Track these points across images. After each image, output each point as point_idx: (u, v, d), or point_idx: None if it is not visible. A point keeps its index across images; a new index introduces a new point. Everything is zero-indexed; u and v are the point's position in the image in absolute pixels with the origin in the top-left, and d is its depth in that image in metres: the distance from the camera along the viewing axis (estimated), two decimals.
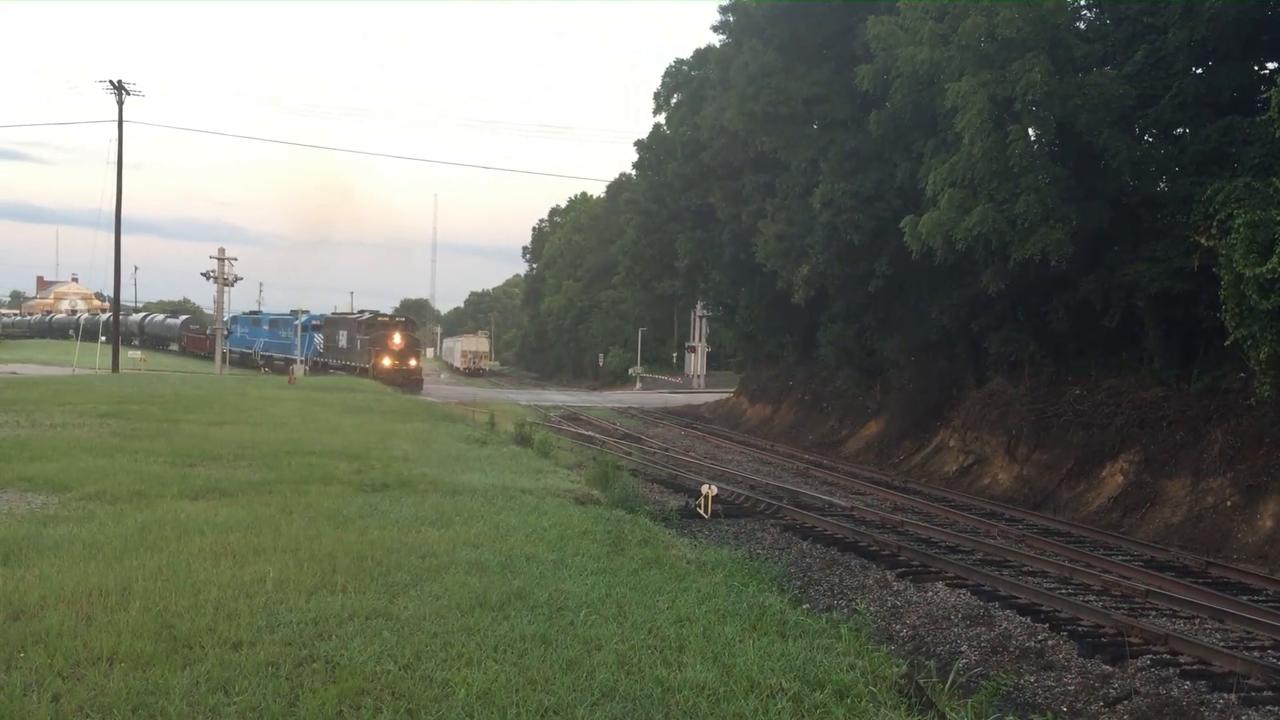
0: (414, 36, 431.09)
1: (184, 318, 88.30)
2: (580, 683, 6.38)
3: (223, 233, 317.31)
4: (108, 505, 11.44)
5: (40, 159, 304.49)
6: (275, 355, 67.00)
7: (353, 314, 61.80)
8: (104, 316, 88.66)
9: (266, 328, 70.69)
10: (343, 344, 56.75)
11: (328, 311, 71.55)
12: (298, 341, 63.24)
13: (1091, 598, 13.36)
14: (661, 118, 47.94)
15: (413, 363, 52.30)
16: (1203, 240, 18.10)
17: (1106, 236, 22.25)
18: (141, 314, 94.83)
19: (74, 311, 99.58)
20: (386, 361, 50.58)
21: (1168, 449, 20.45)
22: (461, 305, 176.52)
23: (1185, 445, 20.10)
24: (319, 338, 61.80)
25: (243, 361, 70.31)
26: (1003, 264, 22.62)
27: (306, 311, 69.21)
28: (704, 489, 19.26)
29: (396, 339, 51.92)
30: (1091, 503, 21.36)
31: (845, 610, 12.04)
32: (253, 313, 79.51)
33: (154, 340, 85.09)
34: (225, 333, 61.56)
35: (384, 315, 59.14)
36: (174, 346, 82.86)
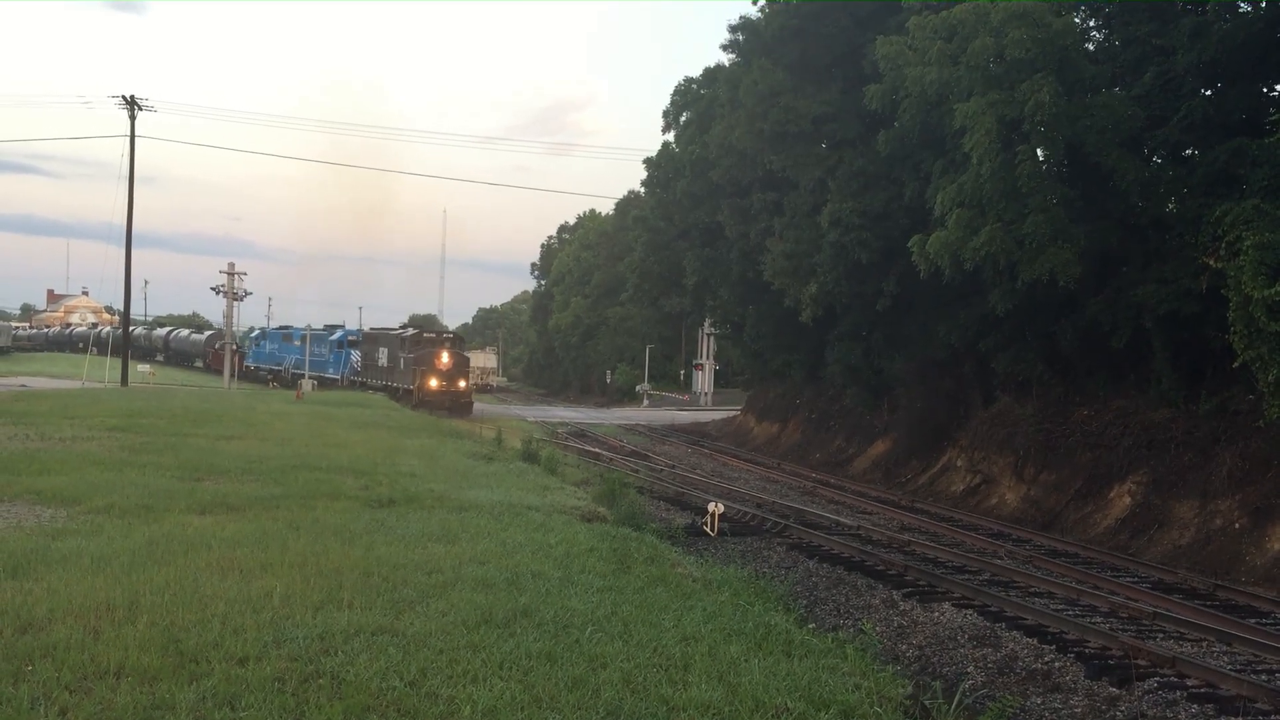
0: (419, 52, 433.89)
1: (209, 333, 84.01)
2: (586, 701, 6.39)
3: (232, 247, 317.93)
4: (116, 519, 11.50)
5: (51, 172, 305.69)
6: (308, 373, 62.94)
7: (394, 329, 57.36)
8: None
9: (298, 343, 66.42)
10: (383, 362, 52.47)
11: (335, 325, 68.98)
12: (332, 358, 59.55)
13: (1099, 619, 13.30)
14: (670, 136, 48.15)
15: (461, 384, 47.63)
16: (1211, 262, 18.09)
17: (1115, 257, 22.23)
18: (166, 329, 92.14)
19: (95, 325, 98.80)
20: (433, 382, 46.21)
21: (1176, 470, 20.38)
22: (470, 321, 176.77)
23: (1193, 467, 20.04)
24: (356, 355, 57.96)
25: (272, 379, 66.85)
26: (1011, 284, 22.61)
27: (341, 326, 65.68)
28: (710, 507, 19.24)
29: (444, 358, 47.12)
30: (1099, 524, 21.28)
31: (851, 630, 12.01)
32: (283, 327, 74.35)
33: (179, 356, 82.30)
34: (237, 347, 61.05)
35: (429, 331, 54.46)
36: (199, 363, 78.97)
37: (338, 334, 61.37)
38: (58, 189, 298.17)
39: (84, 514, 11.82)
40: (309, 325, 64.54)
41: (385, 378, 51.55)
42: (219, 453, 18.53)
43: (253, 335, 77.60)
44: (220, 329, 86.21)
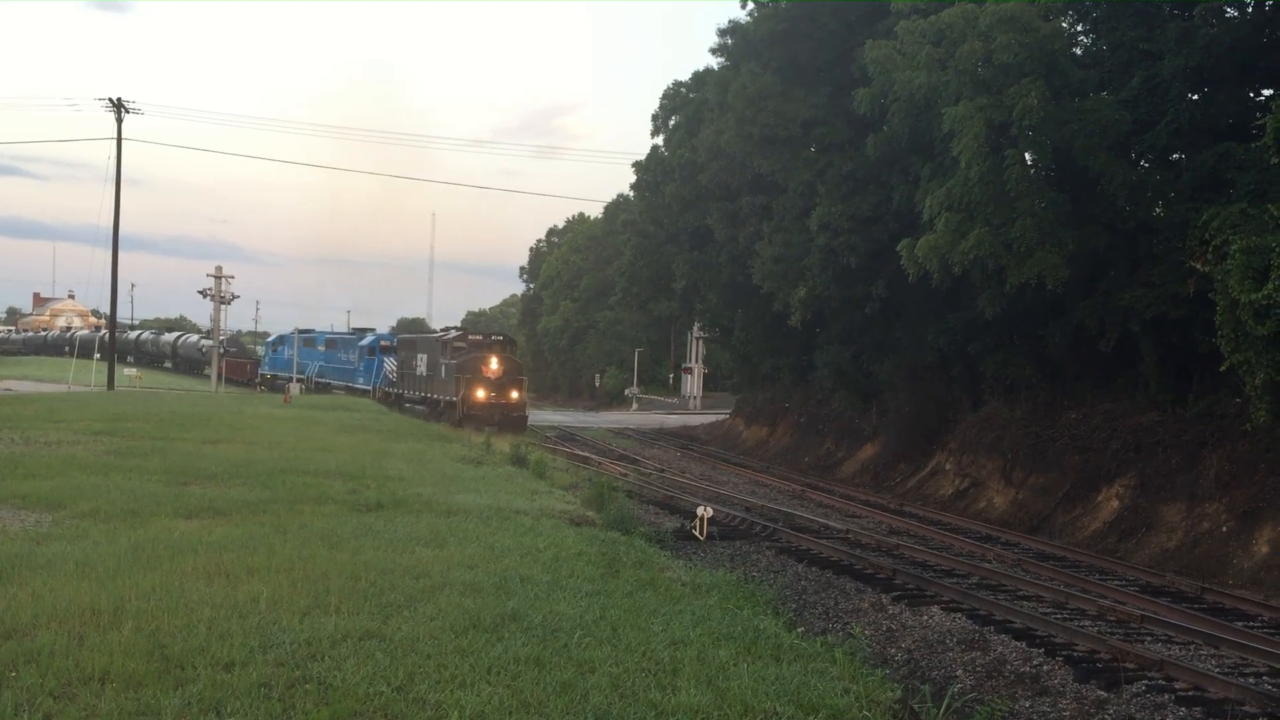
0: (412, 54, 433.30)
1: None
2: (574, 706, 6.36)
3: (219, 250, 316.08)
4: (101, 524, 11.43)
5: (36, 174, 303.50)
6: (333, 382, 56.30)
7: (435, 332, 50.10)
8: (130, 335, 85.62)
9: (322, 349, 59.51)
10: (421, 370, 44.81)
11: (365, 328, 63.32)
12: (362, 366, 53.10)
13: (1087, 623, 13.32)
14: (659, 140, 48.12)
15: (514, 395, 39.89)
16: (1198, 265, 18.16)
17: (1102, 261, 22.31)
18: (175, 334, 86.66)
19: (98, 329, 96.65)
20: (480, 393, 39.01)
21: (1163, 474, 20.45)
22: (458, 324, 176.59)
23: (1181, 470, 20.10)
24: (390, 362, 50.19)
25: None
26: (999, 288, 22.67)
27: (372, 330, 59.96)
28: (699, 511, 19.22)
29: (493, 364, 39.79)
30: (1087, 527, 21.33)
31: (840, 634, 12.00)
32: (305, 331, 65.25)
33: (188, 364, 76.75)
34: (224, 350, 60.01)
35: (475, 333, 46.48)
36: (208, 372, 69.06)
37: (368, 339, 54.34)
38: (43, 191, 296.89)
39: (69, 518, 11.75)
40: (355, 328, 59.38)
41: (425, 388, 44.24)
42: (205, 457, 18.44)
43: (269, 340, 71.05)
44: (233, 334, 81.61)
